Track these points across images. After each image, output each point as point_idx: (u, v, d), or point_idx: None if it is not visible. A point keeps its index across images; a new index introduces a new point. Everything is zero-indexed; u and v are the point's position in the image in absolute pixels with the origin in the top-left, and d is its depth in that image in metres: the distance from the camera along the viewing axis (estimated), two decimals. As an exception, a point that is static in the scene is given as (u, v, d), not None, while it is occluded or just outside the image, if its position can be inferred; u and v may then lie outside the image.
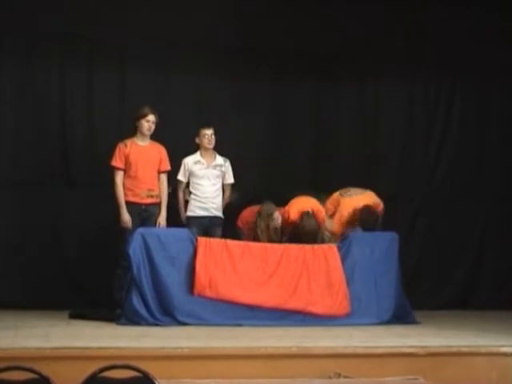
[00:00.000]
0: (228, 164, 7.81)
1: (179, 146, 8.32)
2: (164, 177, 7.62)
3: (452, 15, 8.97)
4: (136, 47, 8.57)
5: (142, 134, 7.60)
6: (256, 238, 7.53)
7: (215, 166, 7.73)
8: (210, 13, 8.53)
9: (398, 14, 8.89)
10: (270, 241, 7.51)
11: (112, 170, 7.54)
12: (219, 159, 7.78)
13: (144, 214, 7.48)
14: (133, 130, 7.65)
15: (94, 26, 8.38)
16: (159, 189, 7.57)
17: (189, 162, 7.73)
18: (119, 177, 7.51)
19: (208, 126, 7.72)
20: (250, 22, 8.70)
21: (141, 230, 7.11)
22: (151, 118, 7.59)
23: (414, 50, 9.04)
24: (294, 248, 7.40)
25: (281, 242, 7.50)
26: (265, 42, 8.79)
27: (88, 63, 8.56)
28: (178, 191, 7.75)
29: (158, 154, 7.63)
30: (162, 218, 7.51)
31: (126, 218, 7.41)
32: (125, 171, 7.53)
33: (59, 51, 8.50)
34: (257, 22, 8.72)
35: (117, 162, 7.52)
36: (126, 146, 7.54)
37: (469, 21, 9.07)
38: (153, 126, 7.61)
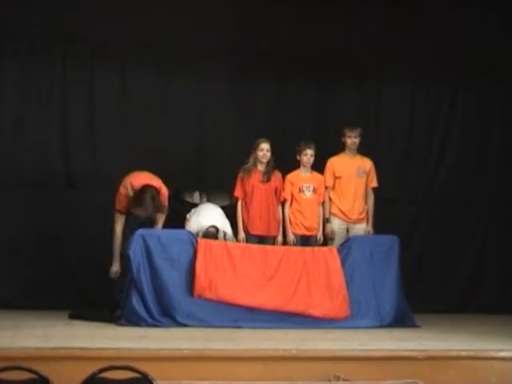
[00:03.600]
0: None
1: (179, 147, 8.35)
2: (162, 217, 7.36)
3: (453, 16, 8.98)
4: (137, 48, 8.57)
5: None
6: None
7: None
8: (211, 14, 8.55)
9: (398, 15, 8.89)
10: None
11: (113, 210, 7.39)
12: None
13: (144, 219, 7.38)
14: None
15: (94, 27, 8.39)
16: None
17: None
18: (120, 223, 7.30)
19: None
20: (251, 23, 8.72)
21: (141, 231, 7.08)
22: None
23: (414, 51, 9.05)
24: (294, 250, 7.43)
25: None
26: (265, 43, 8.80)
27: (89, 64, 8.56)
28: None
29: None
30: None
31: (115, 269, 7.29)
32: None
33: (60, 52, 8.50)
34: (257, 23, 8.74)
35: (118, 205, 7.31)
36: (127, 189, 7.32)
37: (470, 22, 9.08)
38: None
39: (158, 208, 7.21)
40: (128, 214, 7.36)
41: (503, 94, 9.43)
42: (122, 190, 7.30)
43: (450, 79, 9.38)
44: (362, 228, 7.91)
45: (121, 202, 7.32)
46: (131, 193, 7.23)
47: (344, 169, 7.95)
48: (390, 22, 8.94)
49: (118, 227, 7.33)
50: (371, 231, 7.94)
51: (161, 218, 7.37)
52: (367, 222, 7.98)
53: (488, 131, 9.51)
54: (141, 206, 7.13)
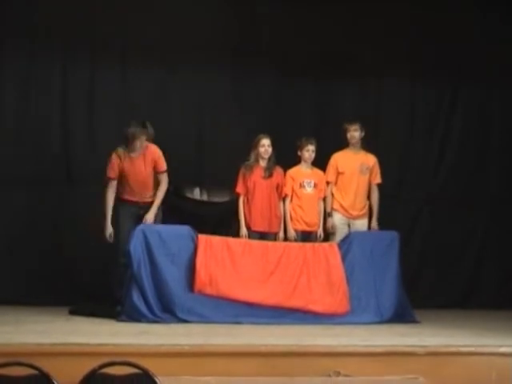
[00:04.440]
0: None
1: (180, 145, 8.35)
2: (162, 176, 7.42)
3: (454, 16, 8.98)
4: (137, 48, 8.58)
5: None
6: None
7: None
8: (211, 14, 8.57)
9: (398, 15, 8.91)
10: None
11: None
12: None
13: (141, 212, 7.35)
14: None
15: (94, 27, 8.41)
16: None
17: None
18: (112, 189, 7.34)
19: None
20: (251, 22, 8.74)
21: (141, 226, 7.09)
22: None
23: (415, 51, 9.06)
24: (294, 246, 7.43)
25: None
26: (265, 41, 8.82)
27: (89, 62, 8.58)
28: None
29: (151, 161, 7.37)
30: (149, 216, 7.30)
31: (108, 232, 7.28)
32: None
33: (60, 52, 8.52)
34: (257, 22, 8.77)
35: (111, 173, 7.34)
36: (119, 157, 7.34)
37: (470, 22, 9.08)
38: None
39: (144, 134, 7.22)
40: (121, 201, 7.35)
41: (503, 94, 9.44)
42: (113, 157, 7.32)
43: (450, 79, 9.38)
44: (362, 224, 7.91)
45: (114, 168, 7.31)
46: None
47: (347, 165, 7.94)
48: (391, 22, 8.96)
49: (110, 192, 7.32)
50: (376, 227, 7.93)
51: (163, 179, 7.39)
52: (371, 217, 7.96)
53: (488, 131, 9.52)
54: (129, 140, 7.19)
